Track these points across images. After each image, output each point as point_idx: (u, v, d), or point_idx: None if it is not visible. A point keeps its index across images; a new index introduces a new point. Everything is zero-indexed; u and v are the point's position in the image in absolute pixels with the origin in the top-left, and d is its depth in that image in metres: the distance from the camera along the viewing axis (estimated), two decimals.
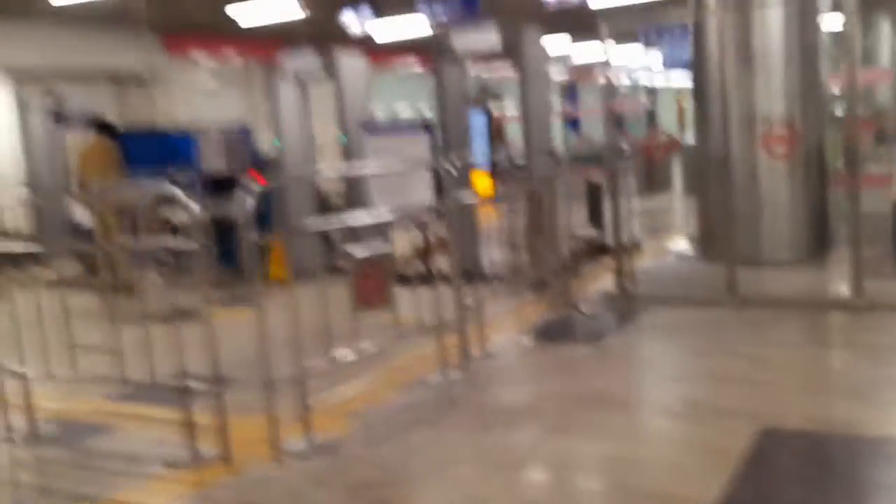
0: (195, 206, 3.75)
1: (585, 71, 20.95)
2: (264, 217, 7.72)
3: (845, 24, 5.82)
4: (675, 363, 4.93)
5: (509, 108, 16.79)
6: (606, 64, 6.99)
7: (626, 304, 6.23)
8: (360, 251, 4.38)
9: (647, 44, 15.22)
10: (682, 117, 25.92)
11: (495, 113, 15.85)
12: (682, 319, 5.78)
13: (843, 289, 5.87)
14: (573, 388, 4.49)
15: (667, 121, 23.75)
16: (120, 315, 4.51)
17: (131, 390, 4.32)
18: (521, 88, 7.25)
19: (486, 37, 7.20)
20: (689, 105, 26.03)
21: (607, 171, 6.79)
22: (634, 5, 14.09)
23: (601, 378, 4.68)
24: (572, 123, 15.64)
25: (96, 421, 4.48)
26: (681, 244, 8.73)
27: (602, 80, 7.11)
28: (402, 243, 5.84)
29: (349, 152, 8.01)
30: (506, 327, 5.68)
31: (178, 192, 3.86)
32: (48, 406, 4.52)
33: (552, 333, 5.62)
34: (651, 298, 6.27)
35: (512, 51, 7.27)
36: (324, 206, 8.39)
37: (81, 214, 8.47)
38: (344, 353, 4.15)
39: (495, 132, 15.49)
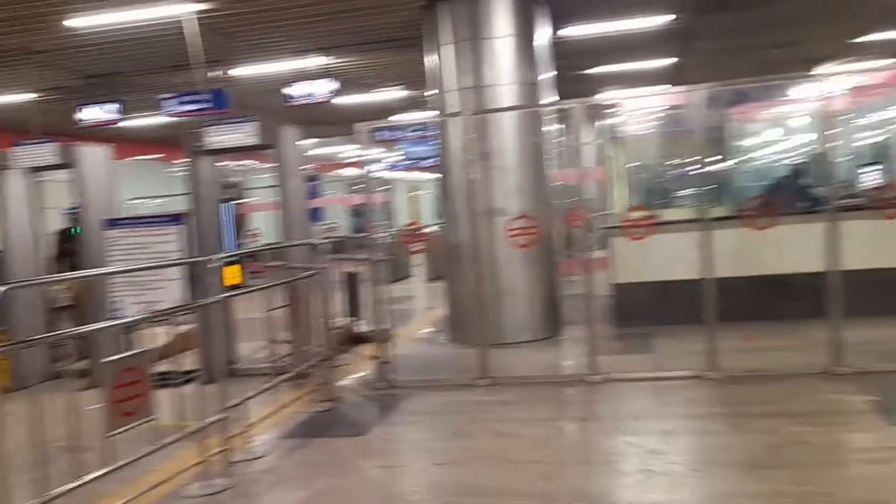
0: None
1: (327, 163, 21.55)
2: None
3: (569, 132, 6.63)
4: (441, 448, 5.07)
5: (254, 200, 16.66)
6: (354, 157, 7.27)
7: (387, 392, 6.34)
8: (111, 354, 4.05)
9: (388, 140, 16.08)
10: (416, 209, 27.46)
11: (240, 205, 15.69)
12: (442, 403, 6.00)
13: (578, 365, 6.48)
14: (347, 484, 4.44)
15: (404, 212, 25.02)
16: None
17: None
18: (279, 182, 7.28)
19: (242, 133, 7.18)
20: (426, 197, 27.43)
21: (364, 261, 6.98)
22: (378, 104, 14.90)
23: (375, 471, 4.69)
24: (313, 213, 15.91)
25: None
26: (431, 330, 9.12)
27: (345, 173, 7.38)
28: (155, 342, 5.45)
29: (88, 247, 7.42)
30: (269, 425, 5.50)
31: None
32: None
33: (317, 427, 5.54)
34: (410, 384, 6.45)
35: (267, 145, 7.31)
36: (56, 305, 7.65)
37: None
38: (94, 469, 3.77)
39: (240, 224, 15.30)
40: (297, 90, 10.60)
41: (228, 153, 7.69)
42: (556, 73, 8.82)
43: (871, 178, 9.65)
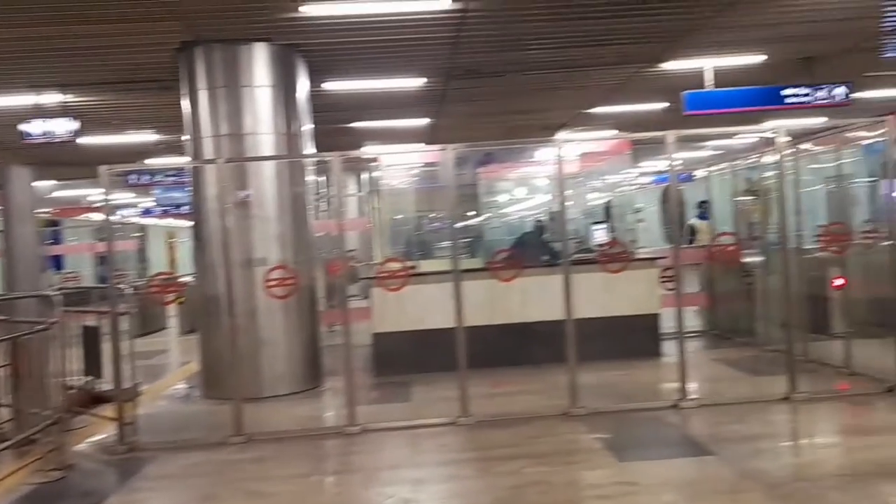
0: None
1: (71, 207, 19.85)
2: None
3: (330, 185, 6.67)
4: None
5: None
6: (100, 202, 6.78)
7: (129, 456, 5.85)
8: None
9: (140, 185, 15.19)
10: (172, 257, 26.05)
11: None
12: (190, 465, 5.64)
13: (337, 417, 6.44)
14: None
15: (158, 260, 23.62)
16: None
17: None
18: (4, 227, 6.56)
19: None
20: (183, 245, 26.23)
21: (106, 313, 6.46)
22: (133, 147, 14.04)
23: None
24: (55, 261, 14.60)
25: None
26: (183, 385, 8.62)
27: (92, 218, 6.86)
28: None
29: None
30: None
31: None
32: None
33: (44, 500, 4.96)
34: (156, 446, 6.01)
35: None
36: None
37: None
38: None
39: None
40: (34, 128, 9.68)
41: None
42: (318, 125, 8.89)
43: (600, 235, 10.73)
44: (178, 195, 15.23)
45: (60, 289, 7.76)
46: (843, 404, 6.16)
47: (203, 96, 7.95)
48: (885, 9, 8.39)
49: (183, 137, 8.46)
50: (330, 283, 9.86)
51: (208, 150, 7.89)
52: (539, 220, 11.04)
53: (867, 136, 10.02)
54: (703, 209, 11.31)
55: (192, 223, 8.28)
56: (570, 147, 10.92)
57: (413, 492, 4.70)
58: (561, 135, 14.47)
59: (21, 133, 9.95)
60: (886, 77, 12.20)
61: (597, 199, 13.59)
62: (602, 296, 8.02)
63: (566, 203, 6.84)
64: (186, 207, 15.49)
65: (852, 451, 5.07)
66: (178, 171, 13.40)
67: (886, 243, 6.44)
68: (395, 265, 7.31)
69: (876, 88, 12.78)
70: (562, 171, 6.63)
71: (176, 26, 7.48)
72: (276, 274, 6.69)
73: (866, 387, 6.39)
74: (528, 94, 12.15)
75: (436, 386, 7.21)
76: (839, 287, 7.64)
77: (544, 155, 11.93)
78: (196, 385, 8.29)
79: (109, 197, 6.86)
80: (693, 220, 12.00)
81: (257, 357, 7.58)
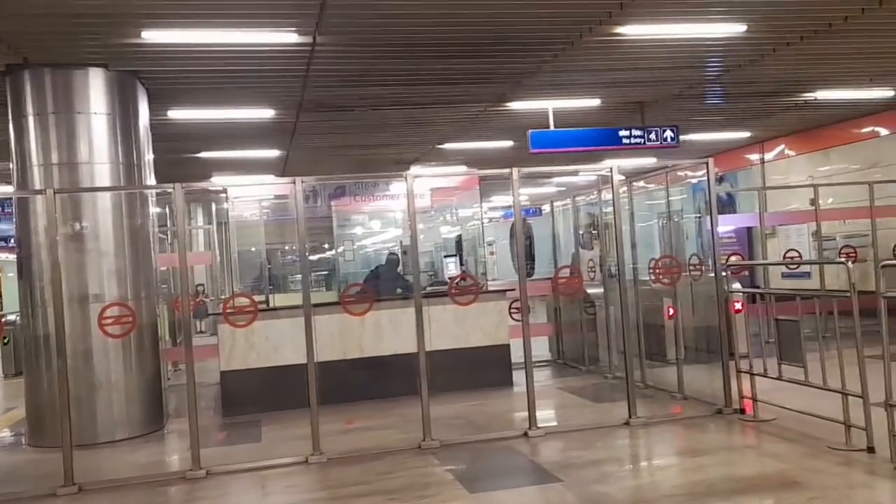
0: None
1: None
2: None
3: (173, 217, 6.39)
4: None
5: None
6: None
7: None
8: None
9: None
10: None
11: None
12: None
13: (181, 460, 6.11)
14: None
15: None
16: None
17: None
18: None
19: None
20: (8, 279, 24.25)
21: None
22: None
23: None
24: None
25: None
26: (7, 432, 7.93)
27: None
28: None
29: None
30: None
31: None
32: None
33: None
34: None
35: None
36: None
37: None
38: None
39: None
40: None
41: None
42: (164, 154, 8.55)
43: (452, 267, 10.92)
44: (6, 227, 14.11)
45: None
46: (678, 427, 6.54)
47: (32, 122, 7.44)
48: (707, 59, 9.15)
49: (11, 165, 7.87)
50: (176, 319, 9.42)
51: (37, 180, 7.37)
52: (393, 253, 11.08)
53: (693, 175, 10.83)
54: (589, 238, 11.47)
55: (16, 257, 7.68)
56: (422, 181, 11.09)
57: None
58: (413, 169, 14.67)
59: None
60: (709, 122, 13.32)
61: (448, 232, 13.83)
62: (454, 328, 8.16)
63: (418, 236, 6.93)
64: (11, 240, 14.40)
65: (686, 472, 5.38)
66: (5, 200, 12.42)
67: (710, 275, 6.95)
68: (244, 300, 7.09)
69: (701, 131, 13.90)
70: (413, 204, 6.71)
71: (2, 47, 6.99)
72: (111, 311, 6.32)
73: (697, 409, 6.83)
74: (380, 129, 12.26)
75: (287, 424, 7.03)
76: (671, 316, 8.17)
77: (397, 188, 12.04)
78: (22, 432, 7.63)
79: None
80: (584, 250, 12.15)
81: (92, 400, 7.11)
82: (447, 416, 6.73)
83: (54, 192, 6.28)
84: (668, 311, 8.21)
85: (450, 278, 8.40)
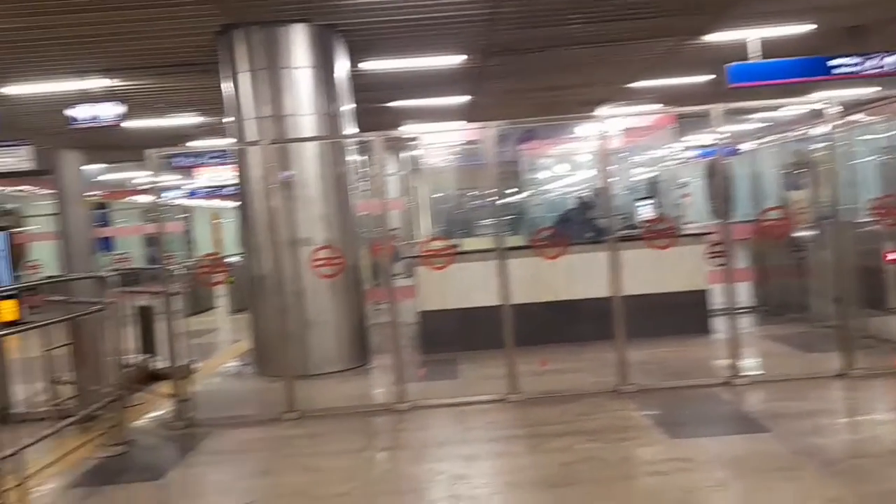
0: None
1: (118, 190, 20.21)
2: None
3: (371, 164, 6.69)
4: (244, 487, 4.86)
5: (34, 229, 15.31)
6: (147, 185, 6.90)
7: (186, 432, 5.99)
8: None
9: (187, 167, 15.41)
10: (217, 237, 26.46)
11: (17, 234, 14.37)
12: (246, 440, 5.77)
13: (386, 394, 6.51)
14: None
15: (203, 241, 24.02)
16: None
17: None
18: (60, 210, 6.71)
19: (15, 157, 6.57)
20: (229, 226, 26.51)
21: (159, 293, 6.59)
22: (174, 130, 14.23)
23: None
24: (104, 243, 14.94)
25: None
26: (234, 363, 8.78)
27: (140, 200, 6.97)
28: None
29: None
30: (50, 474, 4.99)
31: None
32: None
33: (108, 474, 5.11)
34: (212, 422, 6.14)
35: (44, 171, 6.72)
36: None
37: None
38: None
39: (17, 254, 13.97)
40: (80, 112, 9.85)
41: (2, 178, 7.00)
42: (357, 104, 8.90)
43: (645, 211, 10.61)
44: (222, 177, 15.41)
45: (114, 270, 7.92)
46: None
47: (244, 79, 8.01)
48: None
49: (224, 120, 8.54)
50: (374, 262, 9.92)
51: (251, 132, 7.96)
52: (582, 197, 10.94)
53: None
54: (797, 178, 10.73)
55: (237, 204, 8.38)
56: (614, 122, 10.79)
57: (464, 468, 4.74)
58: (604, 110, 14.30)
59: (68, 118, 10.15)
60: None
61: (641, 174, 13.42)
62: (648, 272, 7.95)
63: (611, 179, 6.77)
64: (230, 189, 15.73)
65: None
66: (222, 152, 13.55)
67: None
68: (440, 244, 7.32)
69: None
70: (606, 146, 6.56)
71: (215, 9, 7.54)
72: (322, 254, 6.76)
73: None
74: (567, 70, 12.02)
75: (482, 363, 7.25)
76: (893, 261, 7.47)
77: (587, 131, 11.81)
78: (247, 363, 8.44)
79: (157, 179, 6.99)
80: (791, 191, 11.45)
81: (306, 336, 7.68)
82: (642, 362, 6.63)
83: (271, 142, 6.76)
84: (890, 255, 7.51)
85: (644, 221, 8.16)
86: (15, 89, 10.43)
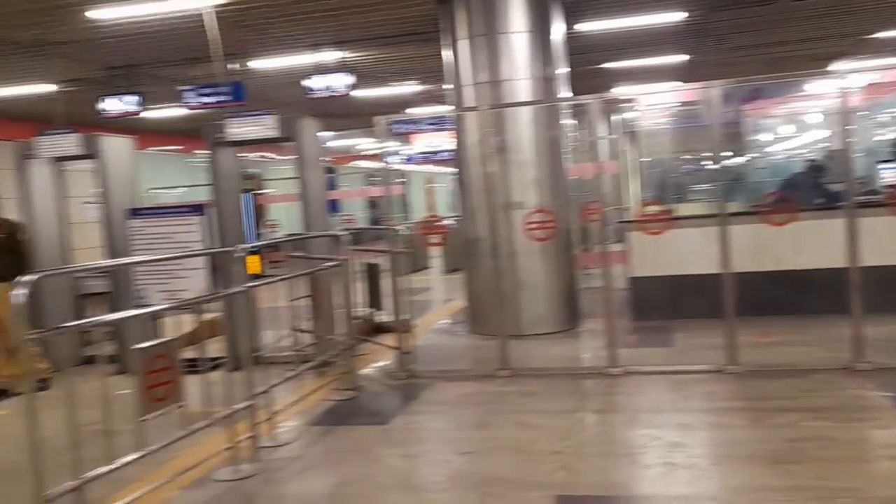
0: None
1: (342, 155, 21.64)
2: None
3: (583, 126, 6.66)
4: (465, 438, 5.13)
5: (272, 191, 16.88)
6: (371, 150, 7.34)
7: (408, 382, 6.41)
8: (145, 342, 4.13)
9: (405, 133, 16.14)
10: (430, 201, 27.53)
11: (258, 196, 15.91)
12: (463, 393, 6.07)
13: (597, 358, 6.54)
14: (372, 472, 4.52)
15: (417, 204, 25.13)
16: None
17: None
18: (300, 174, 7.35)
19: (262, 125, 7.26)
20: (441, 190, 27.38)
21: (386, 252, 7.05)
22: (394, 98, 14.97)
23: (398, 459, 4.77)
24: (330, 205, 16.11)
25: None
26: (448, 321, 9.19)
27: (361, 165, 7.41)
28: (180, 329, 5.55)
29: (112, 236, 7.52)
30: (293, 412, 5.58)
31: None
32: None
33: (341, 415, 5.62)
34: (431, 374, 6.52)
35: (286, 138, 7.37)
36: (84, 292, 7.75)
37: None
38: (127, 453, 3.84)
39: (259, 214, 15.48)
40: (315, 83, 10.66)
41: (248, 145, 7.76)
42: (570, 68, 8.85)
43: (889, 174, 9.66)
44: (438, 142, 16.00)
45: (345, 229, 8.56)
46: None
47: (463, 46, 8.22)
48: None
49: (444, 86, 8.84)
50: (583, 226, 9.90)
51: (468, 98, 8.18)
52: (812, 160, 10.15)
53: None
54: None
55: (455, 169, 8.69)
56: (854, 78, 9.86)
57: (680, 436, 4.68)
58: (841, 64, 13.09)
59: (304, 88, 11.01)
60: None
61: (883, 135, 12.18)
62: (890, 242, 7.27)
63: (850, 140, 6.24)
64: (445, 154, 16.29)
65: None
66: (438, 119, 14.05)
67: None
68: (656, 209, 7.15)
69: None
70: (845, 104, 6.04)
71: None
72: (536, 217, 6.87)
73: None
74: (799, 22, 11.13)
75: (697, 332, 7.05)
76: None
77: (820, 88, 10.90)
78: (460, 321, 8.80)
79: (383, 145, 7.42)
80: None
81: (518, 297, 7.86)
82: (880, 339, 6.12)
83: (490, 107, 6.93)
84: None
85: (888, 186, 7.44)
86: (260, 63, 11.48)
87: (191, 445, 4.53)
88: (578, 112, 9.95)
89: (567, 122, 8.95)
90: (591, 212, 8.95)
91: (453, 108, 8.62)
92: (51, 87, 11.65)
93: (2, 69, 10.99)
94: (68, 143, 7.79)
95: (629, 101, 12.65)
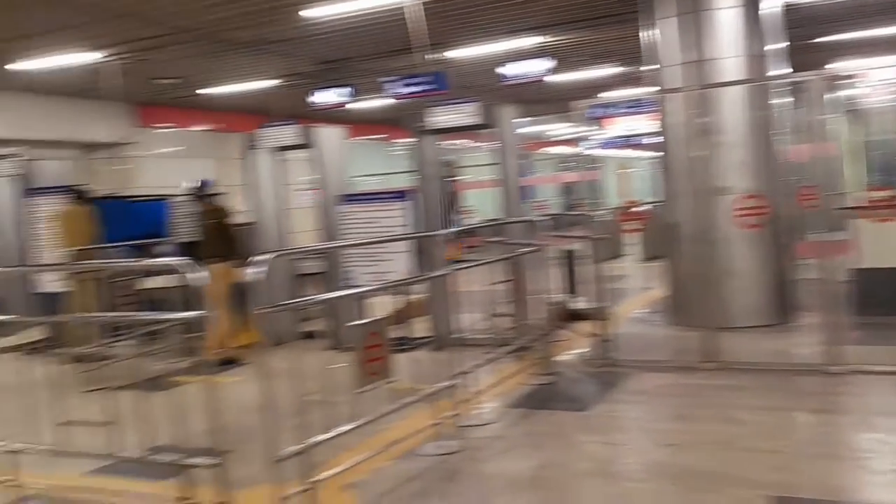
0: (199, 276, 3.75)
1: (534, 141, 21.68)
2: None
3: (798, 105, 6.17)
4: (667, 429, 4.98)
5: (466, 178, 17.25)
6: (563, 135, 7.26)
7: (607, 370, 6.31)
8: (362, 320, 4.37)
9: (601, 118, 15.86)
10: (625, 187, 26.91)
11: (453, 182, 16.34)
12: (664, 384, 5.88)
13: (813, 354, 6.07)
14: (571, 457, 4.51)
15: (612, 190, 24.67)
16: (88, 383, 4.43)
17: (118, 463, 4.18)
18: (499, 160, 7.44)
19: (464, 113, 7.42)
20: (636, 175, 26.71)
21: (584, 238, 6.97)
22: (588, 81, 14.75)
23: (597, 446, 4.71)
24: (523, 191, 16.17)
25: (85, 499, 4.28)
26: (646, 310, 8.93)
27: (553, 151, 7.33)
28: (385, 309, 5.85)
29: (326, 221, 8.03)
30: (492, 394, 5.67)
31: (180, 265, 3.85)
32: (33, 482, 4.29)
33: (540, 400, 5.64)
34: (630, 363, 6.37)
35: (487, 125, 7.48)
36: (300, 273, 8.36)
37: (49, 282, 8.22)
38: (343, 423, 4.08)
39: (453, 200, 15.91)
40: (511, 69, 10.74)
41: (450, 133, 7.96)
42: (784, 43, 8.24)
43: None
44: (634, 126, 15.57)
45: (545, 215, 8.56)
46: None
47: (666, 25, 7.91)
48: None
49: (643, 68, 8.56)
50: (798, 213, 9.20)
51: (671, 78, 7.86)
52: None
53: None
54: None
55: (657, 153, 8.40)
56: None
57: None
58: None
59: (498, 76, 11.13)
60: None
61: None
62: None
63: None
64: (641, 139, 15.82)
65: None
66: (636, 102, 13.67)
67: None
68: (883, 194, 6.52)
69: None
70: None
71: None
72: (747, 202, 6.48)
73: None
74: None
75: None
76: None
77: None
78: (659, 310, 8.52)
79: (578, 130, 7.31)
80: None
81: (724, 287, 7.44)
82: None
83: (701, 87, 6.62)
84: None
85: None
86: (456, 53, 11.74)
87: (398, 419, 4.75)
88: (791, 90, 9.27)
89: (781, 101, 8.37)
90: (806, 197, 8.30)
91: (656, 89, 8.32)
92: (269, 83, 12.63)
93: (228, 67, 12.04)
94: (287, 133, 8.39)
95: (851, 76, 11.61)
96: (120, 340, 6.90)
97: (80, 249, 7.68)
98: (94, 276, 6.99)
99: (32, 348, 7.28)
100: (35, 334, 8.10)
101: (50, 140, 12.91)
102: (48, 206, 8.60)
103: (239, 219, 8.88)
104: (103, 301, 6.83)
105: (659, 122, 8.27)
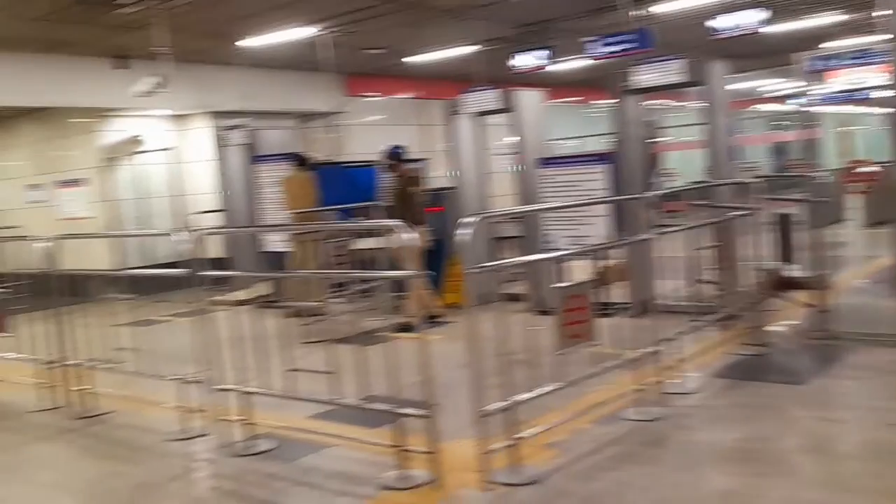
0: (414, 237, 3.94)
1: (742, 98, 20.36)
2: (441, 243, 7.92)
3: None
4: (893, 408, 4.58)
5: (667, 139, 16.61)
6: (776, 91, 6.73)
7: (825, 343, 5.90)
8: (566, 283, 4.39)
9: (820, 71, 14.58)
10: (847, 146, 24.58)
11: (653, 144, 15.79)
12: (892, 360, 5.40)
13: None
14: (783, 431, 4.29)
15: (830, 150, 22.65)
16: (308, 335, 4.81)
17: (338, 409, 4.54)
18: (707, 120, 7.11)
19: (670, 71, 7.13)
20: (859, 133, 24.44)
21: (798, 202, 6.51)
22: (804, 32, 13.58)
23: (813, 422, 4.45)
24: (730, 151, 15.26)
25: (309, 439, 4.70)
26: (869, 281, 8.20)
27: (764, 108, 6.81)
28: (584, 274, 5.80)
29: (525, 185, 8.09)
30: (698, 363, 5.50)
31: (395, 226, 4.06)
32: (264, 422, 4.77)
33: (749, 371, 5.39)
34: (853, 337, 5.90)
35: (695, 83, 7.15)
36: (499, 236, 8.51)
37: (274, 241, 9.00)
38: (545, 384, 4.15)
39: (652, 162, 15.37)
40: (722, 22, 10.11)
41: (654, 92, 7.69)
42: None
43: None
44: (860, 79, 14.14)
45: (758, 176, 8.07)
46: None
47: None
48: None
49: (874, 13, 7.73)
50: None
51: None
52: None
53: None
54: None
55: (889, 108, 7.60)
56: None
57: None
58: None
59: (708, 30, 10.52)
60: None
61: None
62: None
63: None
64: (869, 93, 14.34)
65: None
66: (863, 53, 12.38)
67: None
68: None
69: None
70: None
71: None
72: None
73: None
74: None
75: None
76: None
77: None
78: (885, 281, 7.79)
79: (795, 85, 6.77)
80: None
81: None
82: None
83: None
84: None
85: None
86: (664, 7, 11.23)
87: (600, 383, 4.74)
88: None
89: None
90: None
91: (889, 37, 7.49)
92: (470, 49, 12.79)
93: (431, 35, 12.36)
94: (488, 98, 8.51)
95: None
96: (335, 298, 7.42)
97: (302, 212, 8.31)
98: (314, 238, 7.54)
99: (264, 302, 8.01)
100: (262, 289, 8.92)
101: (272, 111, 13.96)
102: (272, 172, 9.36)
103: (436, 184, 9.17)
104: (320, 260, 7.36)
105: (891, 74, 7.47)
